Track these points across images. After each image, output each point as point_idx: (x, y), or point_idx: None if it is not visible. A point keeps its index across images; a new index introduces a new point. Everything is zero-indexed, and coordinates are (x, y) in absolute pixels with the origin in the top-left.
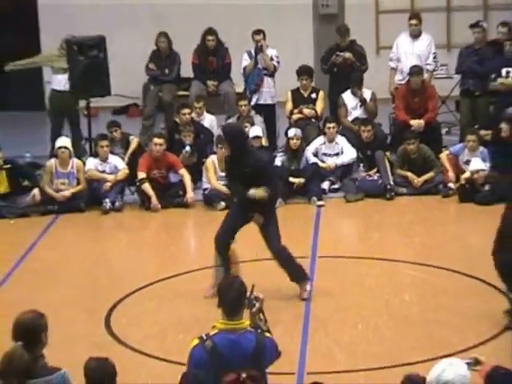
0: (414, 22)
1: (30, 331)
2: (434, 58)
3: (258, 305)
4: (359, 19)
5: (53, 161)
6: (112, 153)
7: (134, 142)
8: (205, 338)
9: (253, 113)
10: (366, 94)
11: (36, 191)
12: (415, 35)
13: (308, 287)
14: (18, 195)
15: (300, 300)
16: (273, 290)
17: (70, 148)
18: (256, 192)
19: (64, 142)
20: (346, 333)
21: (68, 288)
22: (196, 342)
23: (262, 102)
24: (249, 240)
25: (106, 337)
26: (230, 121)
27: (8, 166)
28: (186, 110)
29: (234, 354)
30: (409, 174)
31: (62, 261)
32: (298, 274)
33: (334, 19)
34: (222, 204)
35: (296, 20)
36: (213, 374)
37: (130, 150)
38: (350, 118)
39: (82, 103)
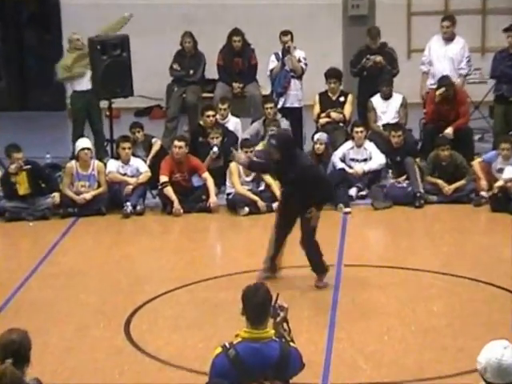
0: (447, 24)
1: (21, 349)
2: (468, 61)
3: (282, 314)
4: (390, 21)
5: (73, 162)
6: (134, 155)
7: (157, 144)
8: (228, 346)
9: (279, 116)
10: (397, 98)
11: (56, 193)
12: (448, 38)
13: (324, 280)
14: (37, 197)
15: (325, 309)
16: (298, 299)
17: (92, 149)
18: (313, 215)
19: (86, 143)
20: (372, 343)
21: (88, 292)
22: (219, 350)
23: (288, 105)
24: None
25: (125, 342)
26: (255, 124)
27: (28, 166)
28: (211, 112)
29: (257, 364)
30: (439, 181)
31: (81, 265)
32: (319, 267)
33: (365, 20)
34: (246, 209)
35: (325, 21)
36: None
37: (153, 153)
38: (379, 123)
39: (104, 104)
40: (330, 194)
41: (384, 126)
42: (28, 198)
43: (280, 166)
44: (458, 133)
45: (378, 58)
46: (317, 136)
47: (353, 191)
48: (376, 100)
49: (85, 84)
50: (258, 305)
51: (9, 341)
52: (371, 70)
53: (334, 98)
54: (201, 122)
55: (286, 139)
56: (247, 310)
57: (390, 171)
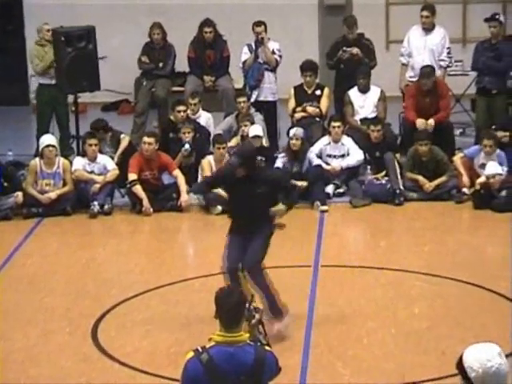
0: (426, 13)
1: None
2: (448, 53)
3: (257, 316)
4: (368, 11)
5: (37, 160)
6: (101, 152)
7: (125, 140)
8: (200, 350)
9: (252, 110)
10: (375, 91)
11: (19, 192)
12: (428, 28)
13: (286, 320)
14: None
15: (301, 312)
16: None
17: (57, 146)
18: (278, 210)
19: (50, 139)
20: (351, 347)
21: (53, 296)
22: (191, 354)
23: (262, 98)
24: None
25: (93, 349)
26: (228, 119)
27: None
28: (182, 108)
29: (231, 369)
30: (420, 177)
31: (46, 268)
32: (274, 308)
33: (341, 11)
34: (219, 208)
35: (300, 11)
36: None
37: (121, 149)
38: (357, 117)
39: (70, 98)
40: (294, 199)
41: (362, 120)
42: None
43: (244, 181)
44: (439, 127)
45: (355, 50)
46: (292, 131)
47: (330, 188)
48: (353, 93)
49: (51, 77)
50: (231, 307)
51: None
52: (348, 62)
53: (309, 92)
54: (171, 117)
55: (249, 153)
56: (221, 313)
57: (369, 167)
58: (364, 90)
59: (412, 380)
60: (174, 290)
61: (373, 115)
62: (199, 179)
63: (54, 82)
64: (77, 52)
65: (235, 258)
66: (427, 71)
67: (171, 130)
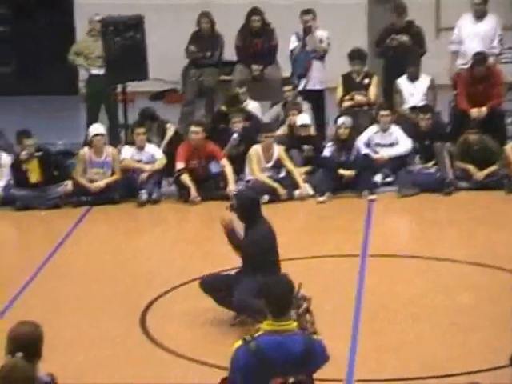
0: (478, 1)
1: (31, 343)
2: (500, 40)
3: (305, 305)
4: None
5: (86, 149)
6: (149, 141)
7: (171, 129)
8: (249, 339)
9: (300, 99)
10: (425, 79)
11: (69, 181)
12: (479, 16)
13: None
14: (49, 185)
15: (349, 302)
16: (320, 289)
17: (106, 135)
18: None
19: (99, 128)
20: (397, 338)
21: (101, 284)
22: (239, 343)
23: (310, 87)
24: (295, 237)
25: (141, 336)
26: (275, 107)
27: (39, 153)
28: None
29: (280, 357)
30: (470, 166)
31: (95, 255)
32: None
33: None
34: (266, 197)
35: None
36: (257, 378)
37: (167, 139)
38: (406, 106)
39: (118, 87)
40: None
41: (411, 108)
42: (39, 186)
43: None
44: (490, 115)
45: (404, 38)
46: (341, 120)
47: (378, 177)
48: (402, 82)
49: (100, 67)
50: (279, 296)
51: (20, 334)
52: (397, 50)
53: (358, 80)
54: (223, 108)
55: (246, 200)
56: (269, 302)
57: (418, 156)
58: (413, 78)
59: (458, 371)
60: None
61: (422, 103)
62: (246, 169)
63: (102, 72)
64: (125, 41)
65: None
66: (480, 58)
67: (222, 122)
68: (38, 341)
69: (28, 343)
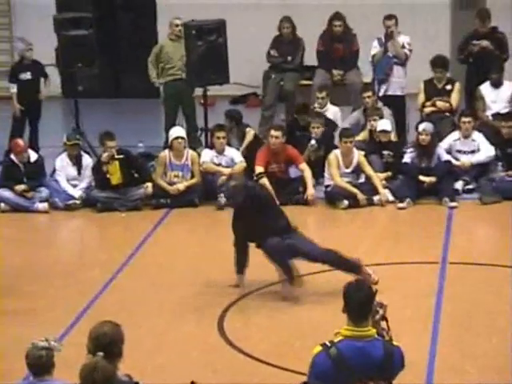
0: None
1: (113, 342)
2: None
3: (381, 312)
4: (502, 3)
5: (167, 152)
6: (229, 145)
7: (250, 134)
8: (329, 345)
9: (380, 104)
10: (508, 86)
11: (149, 184)
12: None
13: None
14: (130, 187)
15: (428, 309)
16: (400, 296)
17: (186, 138)
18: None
19: (179, 131)
20: (479, 346)
21: (180, 286)
22: (319, 349)
23: (390, 92)
24: (374, 243)
25: (219, 339)
26: (355, 113)
27: (121, 156)
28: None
29: (360, 363)
30: None
31: (174, 257)
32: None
33: (475, 3)
34: (345, 202)
35: (432, 4)
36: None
37: (246, 143)
38: (488, 113)
39: (199, 91)
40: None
41: (494, 115)
42: (120, 188)
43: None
44: None
45: (485, 43)
46: (422, 126)
47: (459, 184)
48: (485, 88)
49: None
50: (361, 302)
51: (101, 334)
52: (478, 55)
53: (440, 86)
54: (295, 116)
55: (235, 194)
56: (350, 307)
57: (500, 164)
58: (497, 84)
59: None
60: None
61: (505, 110)
62: (325, 174)
63: (183, 75)
64: (207, 45)
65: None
66: None
67: (298, 129)
68: (119, 341)
69: (109, 343)
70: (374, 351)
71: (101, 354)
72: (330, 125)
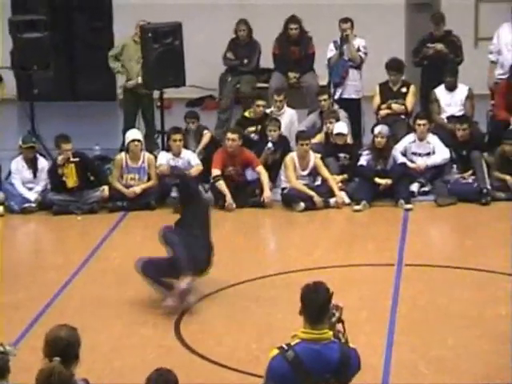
0: None
1: (69, 346)
2: None
3: (337, 314)
4: (457, 8)
5: (123, 154)
6: (186, 147)
7: (207, 136)
8: (286, 348)
9: (336, 107)
10: (462, 89)
11: (105, 186)
12: None
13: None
14: (86, 190)
15: (384, 311)
16: (356, 298)
17: (142, 141)
18: None
19: (136, 134)
20: (434, 347)
21: (137, 289)
22: (276, 352)
23: (346, 96)
24: (330, 246)
25: (175, 342)
26: (312, 115)
27: (76, 159)
28: (261, 103)
29: (317, 366)
30: (507, 177)
31: (131, 261)
32: None
33: (429, 7)
34: (302, 205)
35: (387, 8)
36: None
37: (202, 145)
38: (443, 115)
39: (155, 94)
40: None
41: (448, 118)
42: (76, 191)
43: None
44: None
45: (439, 46)
46: (377, 129)
47: (414, 187)
48: (440, 91)
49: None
50: (318, 304)
51: (57, 338)
52: (433, 58)
53: (395, 89)
54: (246, 114)
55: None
56: (307, 309)
57: (455, 166)
58: (451, 87)
59: (497, 382)
60: (256, 285)
61: (460, 113)
62: (282, 177)
63: (140, 79)
64: (163, 48)
65: None
66: None
67: (246, 127)
68: (76, 345)
69: (66, 347)
70: (331, 354)
71: (57, 358)
72: (284, 142)
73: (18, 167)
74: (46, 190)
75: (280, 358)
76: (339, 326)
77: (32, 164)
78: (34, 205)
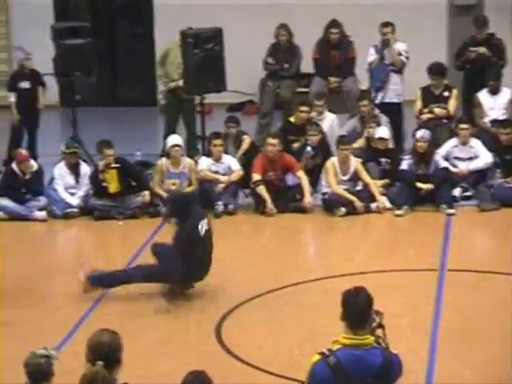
0: None
1: (111, 351)
2: None
3: (377, 319)
4: (500, 10)
5: (164, 160)
6: (226, 152)
7: (246, 141)
8: (327, 353)
9: (377, 112)
10: (506, 92)
11: (146, 192)
12: None
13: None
14: (127, 195)
15: (426, 317)
16: (398, 304)
17: (183, 146)
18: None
19: (177, 139)
20: (478, 353)
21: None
22: (317, 357)
23: (387, 100)
24: (372, 250)
25: (216, 347)
26: (352, 120)
27: (117, 165)
28: (305, 108)
29: (359, 371)
30: None
31: None
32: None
33: (472, 10)
34: (343, 210)
35: (429, 11)
36: None
37: (242, 150)
38: (486, 119)
39: (196, 99)
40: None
41: (492, 122)
42: (118, 197)
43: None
44: None
45: (482, 50)
46: (419, 133)
47: (457, 191)
48: (483, 95)
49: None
50: (359, 309)
51: (100, 343)
52: (475, 62)
53: (437, 93)
54: (291, 119)
55: (179, 203)
56: (348, 315)
57: (499, 170)
58: (494, 91)
59: None
60: (297, 290)
61: (503, 117)
62: (323, 182)
63: (181, 83)
64: (204, 53)
65: None
66: None
67: (290, 132)
68: (118, 349)
69: (108, 352)
70: (373, 359)
71: (100, 363)
72: (324, 147)
73: (61, 173)
74: (88, 195)
75: (322, 364)
76: (379, 332)
77: (74, 169)
78: (76, 210)
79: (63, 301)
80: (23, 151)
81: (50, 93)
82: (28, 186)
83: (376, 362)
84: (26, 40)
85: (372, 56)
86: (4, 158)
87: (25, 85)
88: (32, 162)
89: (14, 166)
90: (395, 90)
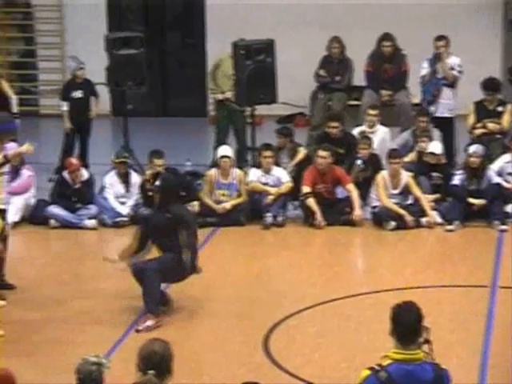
0: None
1: (163, 360)
2: None
3: (424, 335)
4: None
5: (214, 170)
6: (277, 164)
7: (302, 153)
8: (378, 368)
9: (430, 126)
10: None
11: (196, 202)
12: None
13: (149, 323)
14: None
15: (477, 333)
16: (448, 320)
17: (233, 157)
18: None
19: (226, 151)
20: None
21: (226, 305)
22: (368, 372)
23: (439, 114)
24: (422, 266)
25: (264, 359)
26: (404, 134)
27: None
28: (333, 124)
29: None
30: None
31: (219, 276)
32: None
33: None
34: (393, 223)
35: (483, 26)
36: None
37: (296, 161)
38: None
39: (247, 110)
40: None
41: None
42: None
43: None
44: None
45: None
46: (472, 148)
47: (510, 208)
48: None
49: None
50: (410, 325)
51: (151, 352)
52: None
53: (491, 108)
54: (327, 130)
55: (169, 185)
56: (398, 330)
57: None
58: None
59: None
60: (345, 304)
61: None
62: (373, 195)
63: (230, 94)
64: (256, 65)
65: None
66: None
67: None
68: (169, 359)
69: (160, 361)
70: (424, 374)
71: (152, 372)
72: (351, 139)
73: (112, 182)
74: (138, 204)
75: (372, 378)
76: (426, 347)
77: (125, 179)
78: (125, 219)
79: (114, 307)
80: (74, 160)
81: (102, 102)
82: (78, 195)
83: (427, 376)
84: (79, 50)
85: (424, 69)
86: (56, 166)
87: (77, 94)
88: (83, 170)
89: (65, 174)
90: (447, 105)
